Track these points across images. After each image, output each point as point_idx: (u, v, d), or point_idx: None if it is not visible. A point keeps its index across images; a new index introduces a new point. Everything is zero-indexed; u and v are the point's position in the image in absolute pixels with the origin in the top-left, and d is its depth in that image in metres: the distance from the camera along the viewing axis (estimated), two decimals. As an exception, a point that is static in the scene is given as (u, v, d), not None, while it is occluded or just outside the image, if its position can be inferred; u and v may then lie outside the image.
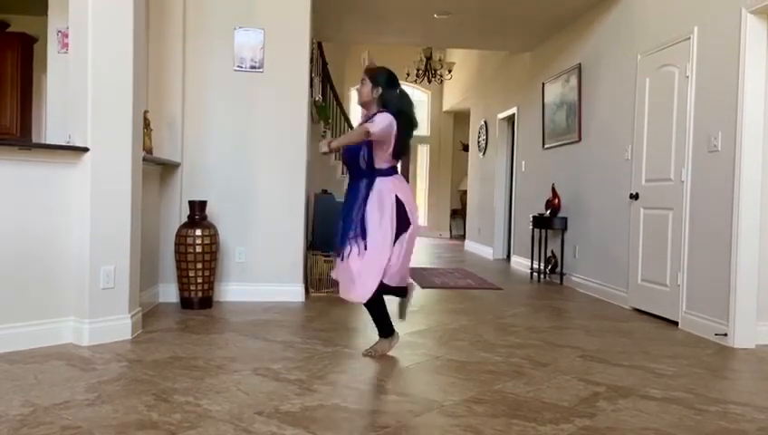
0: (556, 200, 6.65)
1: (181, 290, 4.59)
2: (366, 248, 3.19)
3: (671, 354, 3.64)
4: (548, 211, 6.75)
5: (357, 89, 3.41)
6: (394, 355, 3.42)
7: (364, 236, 3.20)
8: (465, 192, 12.59)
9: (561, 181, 6.72)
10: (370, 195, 3.23)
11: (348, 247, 3.21)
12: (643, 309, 4.95)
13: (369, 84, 3.32)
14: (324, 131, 8.46)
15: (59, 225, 3.40)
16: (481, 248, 10.03)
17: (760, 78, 3.85)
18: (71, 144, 3.47)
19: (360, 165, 3.27)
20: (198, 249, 4.48)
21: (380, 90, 3.30)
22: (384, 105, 3.29)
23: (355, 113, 11.53)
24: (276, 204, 5.00)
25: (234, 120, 4.94)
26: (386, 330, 3.41)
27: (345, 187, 3.44)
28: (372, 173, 3.27)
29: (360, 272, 3.17)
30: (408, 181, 3.41)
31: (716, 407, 2.71)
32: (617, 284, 5.42)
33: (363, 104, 3.39)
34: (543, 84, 7.34)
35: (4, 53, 6.55)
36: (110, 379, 2.83)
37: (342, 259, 3.25)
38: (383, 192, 3.23)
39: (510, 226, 8.98)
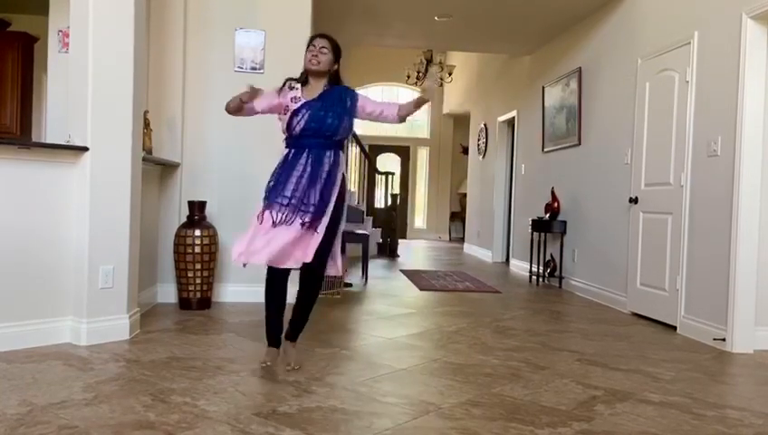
0: (555, 204, 6.66)
1: (180, 290, 4.59)
2: (320, 226, 2.96)
3: (669, 359, 3.64)
4: (547, 215, 6.75)
5: (313, 54, 3.03)
6: (391, 356, 3.42)
7: (322, 212, 2.96)
8: (464, 195, 12.59)
9: (560, 185, 6.72)
10: (337, 171, 3.03)
11: (303, 217, 2.93)
12: (642, 313, 4.94)
13: (331, 55, 3.06)
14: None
15: (58, 224, 3.40)
16: (480, 251, 10.03)
17: (760, 83, 3.85)
18: (70, 144, 3.47)
19: (336, 137, 3.04)
20: (197, 250, 4.48)
21: (337, 66, 3.11)
22: (336, 82, 3.11)
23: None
24: (276, 205, 4.98)
25: (234, 120, 4.89)
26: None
27: (282, 153, 3.08)
28: (339, 146, 3.08)
29: (324, 248, 3.01)
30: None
31: (714, 412, 2.71)
32: (616, 288, 5.42)
33: (314, 72, 3.06)
34: (543, 88, 7.35)
35: (4, 52, 6.55)
36: (107, 379, 2.82)
37: (292, 225, 2.92)
38: (343, 167, 3.10)
39: (509, 229, 8.98)
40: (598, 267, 5.83)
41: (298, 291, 3.16)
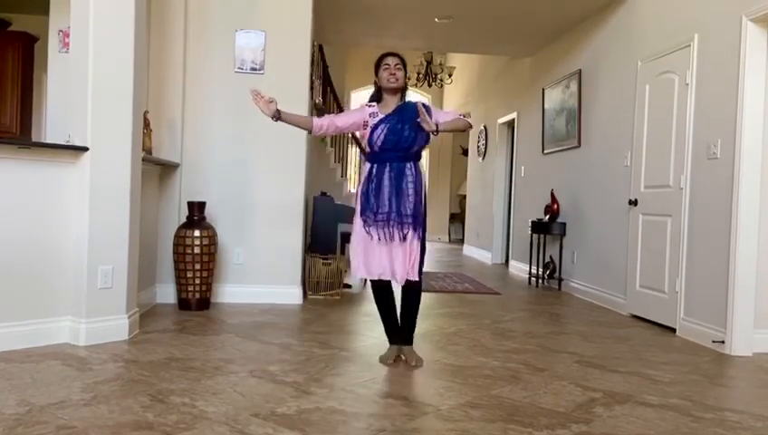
0: (555, 206, 6.66)
1: (179, 291, 4.59)
2: (420, 235, 3.22)
3: (668, 361, 3.64)
4: (547, 216, 6.75)
5: (390, 72, 3.23)
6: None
7: (418, 222, 3.21)
8: (464, 196, 12.59)
9: (560, 187, 6.73)
10: (422, 185, 3.26)
11: (402, 230, 3.17)
12: (641, 316, 4.95)
13: (404, 71, 3.28)
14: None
15: (57, 224, 3.39)
16: (479, 253, 10.03)
17: (760, 85, 3.85)
18: (70, 143, 3.47)
19: (414, 149, 3.24)
20: (197, 250, 4.48)
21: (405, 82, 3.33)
22: (403, 97, 3.34)
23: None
24: (275, 206, 4.99)
25: (233, 121, 4.94)
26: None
27: (365, 169, 3.32)
28: (417, 157, 3.30)
29: (416, 258, 3.23)
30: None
31: (713, 414, 2.71)
32: (615, 290, 5.42)
33: (392, 89, 3.27)
34: (543, 90, 7.36)
35: (5, 51, 6.55)
36: (106, 379, 2.82)
37: (393, 240, 3.17)
38: (425, 179, 3.32)
39: (509, 230, 8.98)
40: (597, 269, 5.83)
41: (401, 301, 3.35)
